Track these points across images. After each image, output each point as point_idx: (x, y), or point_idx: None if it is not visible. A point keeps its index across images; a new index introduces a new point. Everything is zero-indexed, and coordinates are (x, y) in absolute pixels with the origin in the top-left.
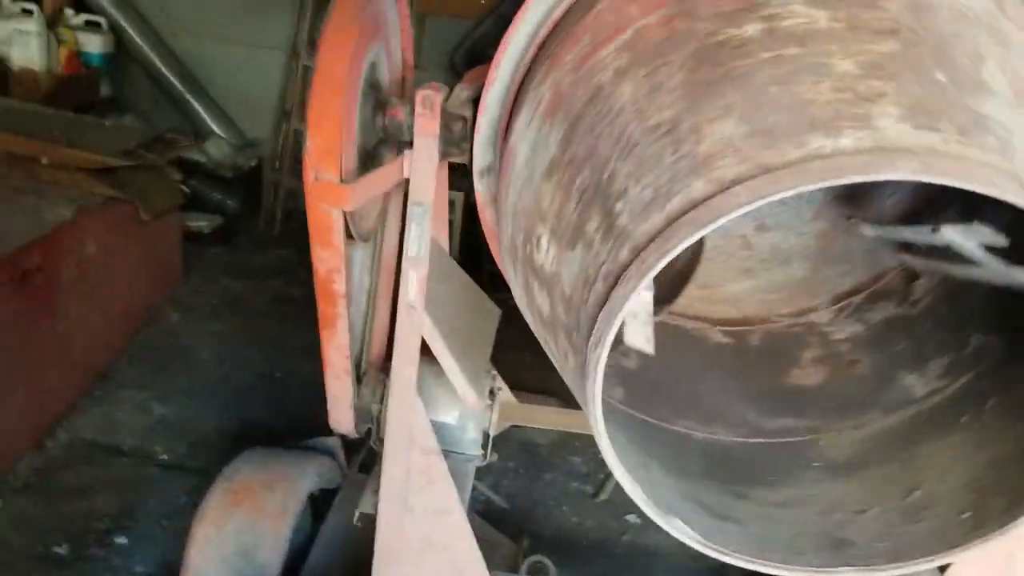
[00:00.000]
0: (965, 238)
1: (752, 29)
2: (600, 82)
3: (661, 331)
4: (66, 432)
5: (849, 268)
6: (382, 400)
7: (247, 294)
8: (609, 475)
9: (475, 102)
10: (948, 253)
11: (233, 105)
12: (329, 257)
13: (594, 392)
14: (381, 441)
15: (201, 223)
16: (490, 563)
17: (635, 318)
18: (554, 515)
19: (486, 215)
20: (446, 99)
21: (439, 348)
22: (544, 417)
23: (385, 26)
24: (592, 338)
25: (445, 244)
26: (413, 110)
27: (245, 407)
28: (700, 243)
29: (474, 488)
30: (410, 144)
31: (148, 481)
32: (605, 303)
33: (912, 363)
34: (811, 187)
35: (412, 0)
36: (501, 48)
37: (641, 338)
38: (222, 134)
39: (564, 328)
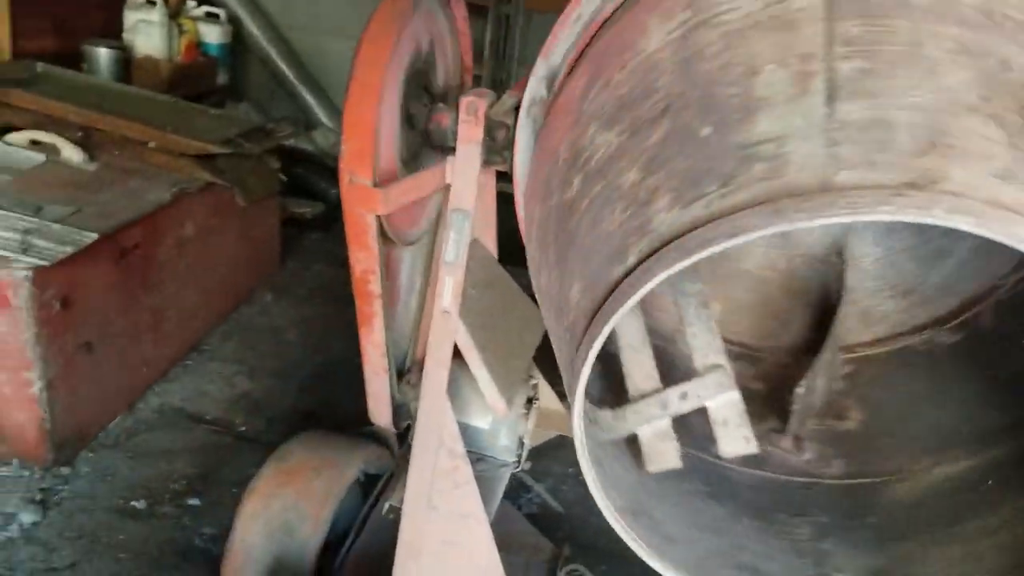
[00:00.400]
0: None
1: (576, 183)
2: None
3: None
4: (157, 397)
5: None
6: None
7: (339, 281)
8: None
9: (519, 109)
10: None
11: (343, 97)
12: (365, 258)
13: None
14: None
15: (304, 209)
16: (527, 568)
17: (726, 424)
18: (607, 526)
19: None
20: (491, 106)
21: (471, 356)
22: None
23: (437, 29)
24: (596, 318)
25: (493, 250)
26: (458, 116)
27: (323, 389)
28: None
29: (530, 489)
30: (453, 150)
31: (225, 450)
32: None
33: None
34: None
35: None
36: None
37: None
38: (331, 125)
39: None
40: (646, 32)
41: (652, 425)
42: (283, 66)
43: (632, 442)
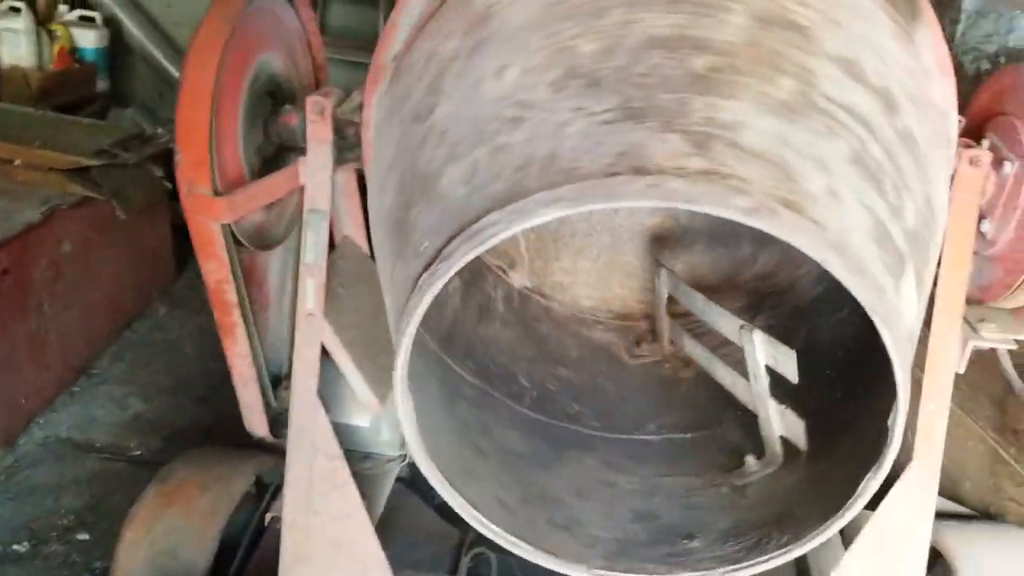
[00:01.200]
0: (764, 349)
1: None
2: None
3: None
4: (41, 430)
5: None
6: None
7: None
8: None
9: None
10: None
11: None
12: (216, 268)
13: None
14: None
15: None
16: (433, 555)
17: None
18: None
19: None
20: (338, 104)
21: (339, 356)
22: None
23: (282, 30)
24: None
25: (366, 246)
26: (304, 116)
27: (222, 401)
28: None
29: None
30: (303, 151)
31: (118, 477)
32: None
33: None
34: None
35: None
36: None
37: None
38: None
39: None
40: None
41: None
42: (169, 66)
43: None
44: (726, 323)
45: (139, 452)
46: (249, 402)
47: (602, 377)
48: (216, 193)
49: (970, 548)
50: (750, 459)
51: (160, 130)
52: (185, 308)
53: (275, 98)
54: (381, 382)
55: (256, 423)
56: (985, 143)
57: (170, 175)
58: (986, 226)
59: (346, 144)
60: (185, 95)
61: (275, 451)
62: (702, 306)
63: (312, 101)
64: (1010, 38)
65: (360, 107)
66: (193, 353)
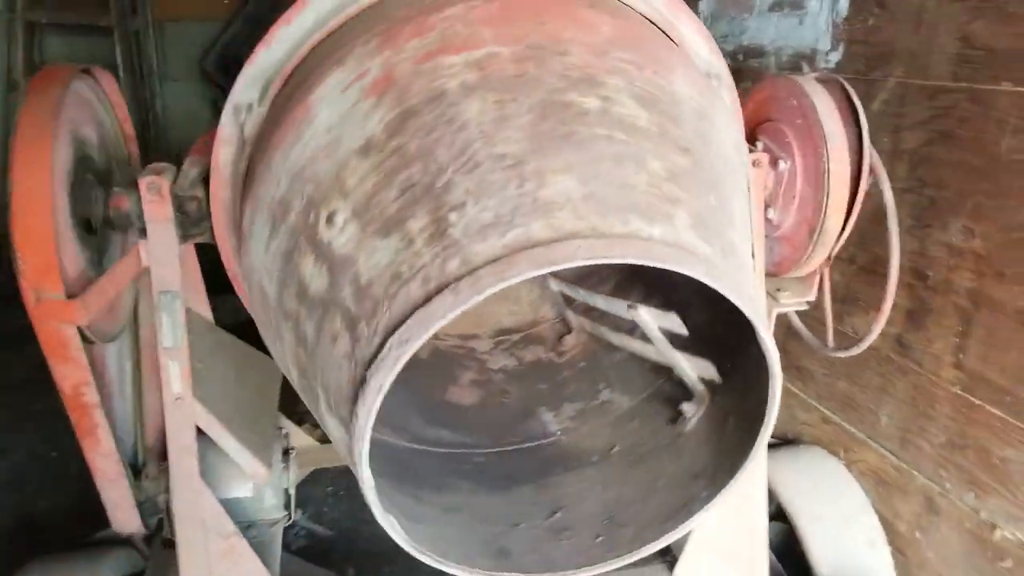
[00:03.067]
0: (652, 320)
1: (592, 103)
2: (445, 87)
3: None
4: None
5: (516, 309)
6: (167, 489)
7: (4, 364)
8: None
9: (205, 181)
10: (605, 321)
11: None
12: (73, 371)
13: (381, 385)
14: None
15: None
16: None
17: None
18: (380, 531)
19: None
20: (174, 180)
21: (217, 433)
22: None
23: (89, 108)
24: (397, 335)
25: (208, 312)
26: (139, 197)
27: (21, 496)
28: None
29: (294, 524)
30: (142, 231)
31: None
32: (423, 305)
33: (550, 402)
34: (633, 262)
35: (149, 7)
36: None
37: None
38: None
39: (345, 312)
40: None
41: None
42: None
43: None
44: (616, 306)
45: None
46: (117, 500)
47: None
48: (69, 296)
49: (781, 468)
50: (685, 405)
51: None
52: None
53: (97, 179)
54: (264, 449)
55: (126, 520)
56: (759, 145)
57: None
58: (772, 214)
59: (189, 220)
60: (20, 199)
61: (125, 542)
62: (592, 297)
63: (147, 182)
64: (743, 38)
65: (200, 181)
66: None
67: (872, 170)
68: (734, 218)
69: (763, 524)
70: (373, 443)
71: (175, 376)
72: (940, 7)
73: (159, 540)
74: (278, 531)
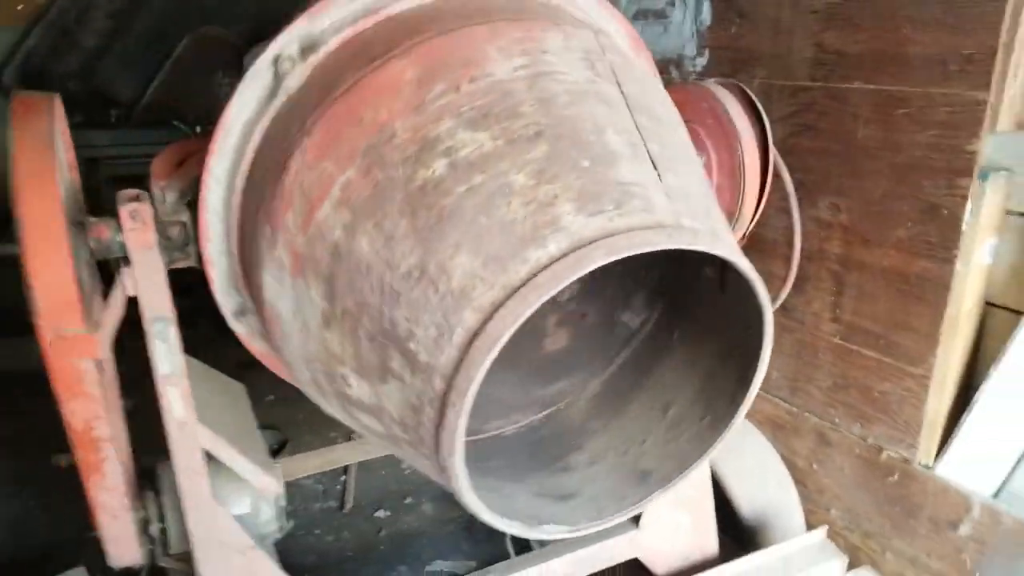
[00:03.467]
0: None
1: (439, 167)
2: (335, 240)
3: None
4: None
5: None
6: (160, 518)
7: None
8: (345, 483)
9: (189, 204)
10: None
11: None
12: (84, 407)
13: (462, 486)
14: (171, 556)
15: None
16: None
17: None
18: (310, 542)
19: (255, 347)
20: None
21: (223, 452)
22: (320, 461)
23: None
24: (441, 453)
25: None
26: (119, 226)
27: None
28: None
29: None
30: (124, 260)
31: None
32: (441, 424)
33: (622, 303)
34: (547, 297)
35: None
36: (202, 206)
37: None
38: None
39: (408, 442)
40: (488, 59)
41: None
42: None
43: None
44: None
45: None
46: (118, 536)
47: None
48: (90, 330)
49: None
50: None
51: None
52: None
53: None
54: (267, 463)
55: (128, 554)
56: None
57: None
58: None
59: (173, 245)
60: (34, 236)
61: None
62: None
63: (128, 210)
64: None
65: (181, 204)
66: None
67: (774, 160)
68: (615, 150)
69: (707, 472)
70: None
71: (176, 401)
72: (795, 17)
73: (146, 571)
74: (270, 544)
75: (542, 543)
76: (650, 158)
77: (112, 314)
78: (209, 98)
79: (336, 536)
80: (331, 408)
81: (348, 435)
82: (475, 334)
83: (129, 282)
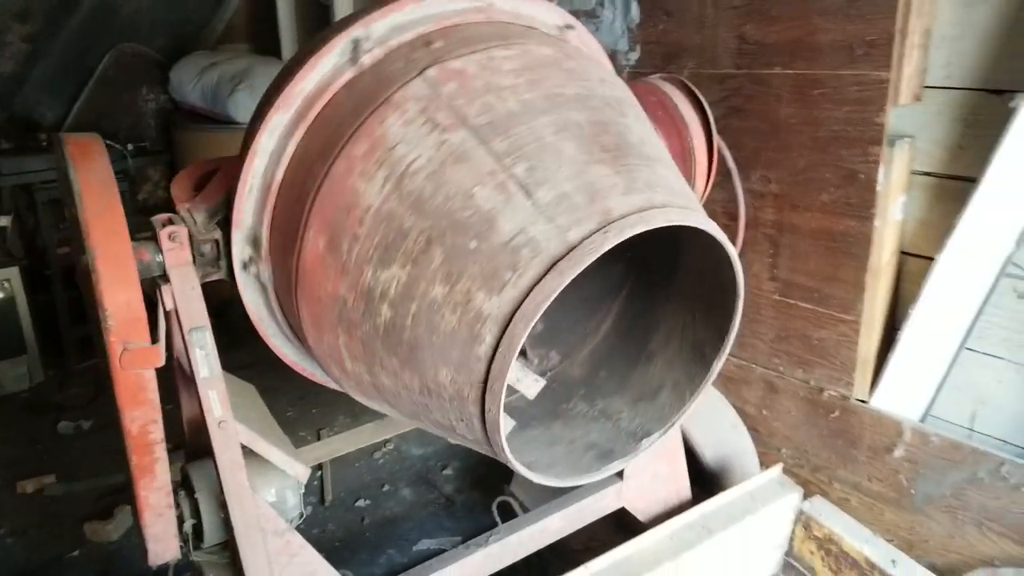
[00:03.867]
0: None
1: (385, 311)
2: (369, 381)
3: None
4: None
5: None
6: (193, 514)
7: None
8: (322, 479)
9: (220, 223)
10: None
11: None
12: (143, 413)
13: (497, 417)
14: (203, 550)
15: None
16: None
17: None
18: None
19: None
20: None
21: (261, 447)
22: (331, 448)
23: None
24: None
25: None
26: (158, 247)
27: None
28: None
29: None
30: (164, 278)
31: None
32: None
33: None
34: (507, 381)
35: None
36: (243, 178)
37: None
38: None
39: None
40: (358, 193)
41: None
42: None
43: None
44: None
45: None
46: (160, 533)
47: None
48: (154, 341)
49: None
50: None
51: None
52: None
53: None
54: (295, 452)
55: (168, 550)
56: None
57: None
58: None
59: (206, 260)
60: (106, 265)
61: None
62: None
63: (168, 232)
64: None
65: (213, 224)
66: None
67: (718, 144)
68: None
69: (678, 427)
70: None
71: (216, 403)
72: (717, 13)
73: (172, 569)
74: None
75: (503, 518)
76: (519, 188)
77: (161, 328)
78: (134, 114)
79: (322, 528)
80: (349, 345)
81: (318, 434)
82: (478, 417)
83: (168, 298)
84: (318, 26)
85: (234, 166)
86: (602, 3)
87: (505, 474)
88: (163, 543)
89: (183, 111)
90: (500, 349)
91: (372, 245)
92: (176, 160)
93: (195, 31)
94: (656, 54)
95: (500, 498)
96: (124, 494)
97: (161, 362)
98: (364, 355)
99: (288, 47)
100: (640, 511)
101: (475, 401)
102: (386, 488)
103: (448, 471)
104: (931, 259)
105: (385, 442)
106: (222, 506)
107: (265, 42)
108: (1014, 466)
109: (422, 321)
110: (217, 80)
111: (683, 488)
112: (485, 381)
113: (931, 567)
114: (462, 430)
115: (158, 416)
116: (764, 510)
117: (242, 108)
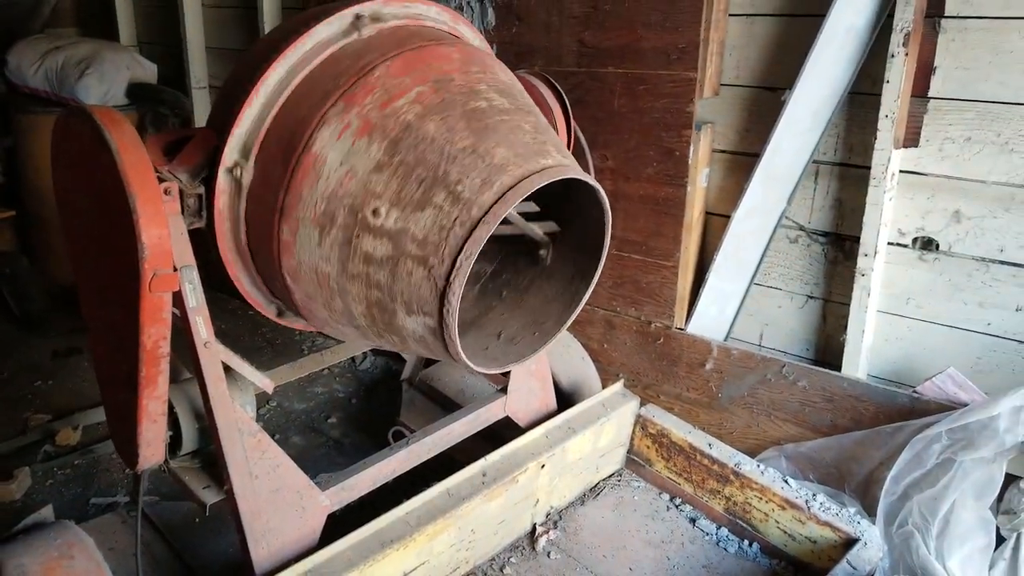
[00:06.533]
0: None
1: (482, 104)
2: (407, 120)
3: None
4: None
5: None
6: (172, 427)
7: None
8: None
9: (203, 181)
10: None
11: None
12: (158, 330)
13: (461, 282)
14: (178, 456)
15: None
16: None
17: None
18: None
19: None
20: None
21: (237, 364)
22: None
23: None
24: (461, 254)
25: None
26: None
27: None
28: None
29: None
30: None
31: None
32: (470, 236)
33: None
34: (552, 180)
35: None
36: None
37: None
38: None
39: (416, 258)
40: (495, 67)
41: None
42: None
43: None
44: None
45: None
46: (151, 437)
47: None
48: (174, 268)
49: None
50: (540, 251)
51: None
52: None
53: None
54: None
55: (156, 454)
56: None
57: None
58: None
59: (190, 211)
60: (143, 208)
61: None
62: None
63: (163, 187)
64: None
65: (197, 181)
66: None
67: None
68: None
69: (545, 354)
70: None
71: (202, 327)
72: (561, 21)
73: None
74: None
75: (395, 439)
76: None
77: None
78: None
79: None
80: (322, 243)
81: None
82: (509, 188)
83: None
84: (160, 14)
85: (208, 133)
86: (461, 8)
87: (387, 419)
88: (153, 447)
89: (22, 94)
90: (552, 169)
91: (495, 82)
92: (19, 142)
93: (22, 15)
94: (511, 53)
95: (394, 428)
96: (23, 456)
97: (178, 287)
98: (437, 105)
99: (127, 34)
100: (520, 418)
101: (513, 176)
102: (277, 437)
103: (332, 420)
104: (728, 216)
105: (268, 399)
106: (198, 417)
107: (95, 27)
108: (791, 367)
109: (509, 124)
110: (63, 64)
111: (551, 402)
112: (537, 172)
113: None
114: (413, 324)
115: (168, 333)
116: (613, 413)
117: (92, 92)
